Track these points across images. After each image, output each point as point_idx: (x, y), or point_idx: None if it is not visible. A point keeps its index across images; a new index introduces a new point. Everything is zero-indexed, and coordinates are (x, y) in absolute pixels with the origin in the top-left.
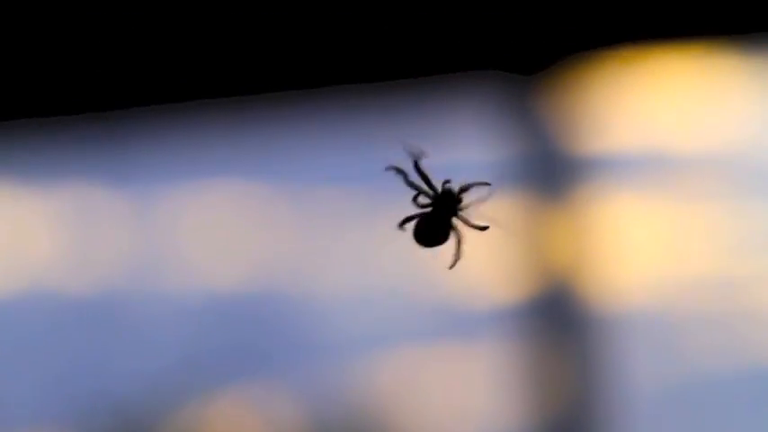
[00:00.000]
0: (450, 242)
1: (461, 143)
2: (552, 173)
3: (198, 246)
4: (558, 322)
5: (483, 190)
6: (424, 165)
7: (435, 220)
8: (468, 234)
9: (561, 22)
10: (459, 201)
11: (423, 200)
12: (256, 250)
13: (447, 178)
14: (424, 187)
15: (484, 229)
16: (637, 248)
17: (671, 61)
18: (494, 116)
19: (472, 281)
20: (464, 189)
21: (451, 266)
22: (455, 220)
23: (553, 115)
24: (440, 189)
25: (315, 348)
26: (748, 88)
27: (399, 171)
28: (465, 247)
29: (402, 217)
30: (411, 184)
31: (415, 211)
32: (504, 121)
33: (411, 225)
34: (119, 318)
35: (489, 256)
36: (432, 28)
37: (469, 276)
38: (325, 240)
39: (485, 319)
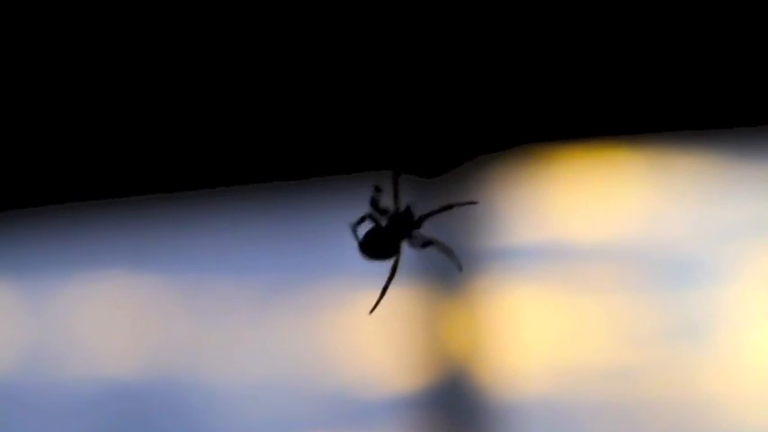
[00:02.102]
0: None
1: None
2: (450, 264)
3: (93, 336)
4: (455, 411)
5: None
6: None
7: (386, 235)
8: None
9: (462, 129)
10: (415, 224)
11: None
12: (152, 340)
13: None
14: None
15: (427, 244)
16: (534, 338)
17: (569, 158)
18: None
19: (369, 370)
20: (423, 216)
21: (381, 293)
22: (404, 241)
23: (454, 212)
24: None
25: None
26: (643, 183)
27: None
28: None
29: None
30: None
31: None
32: None
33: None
34: (15, 407)
35: (387, 346)
36: (335, 130)
37: (367, 365)
38: (220, 330)
39: (382, 408)
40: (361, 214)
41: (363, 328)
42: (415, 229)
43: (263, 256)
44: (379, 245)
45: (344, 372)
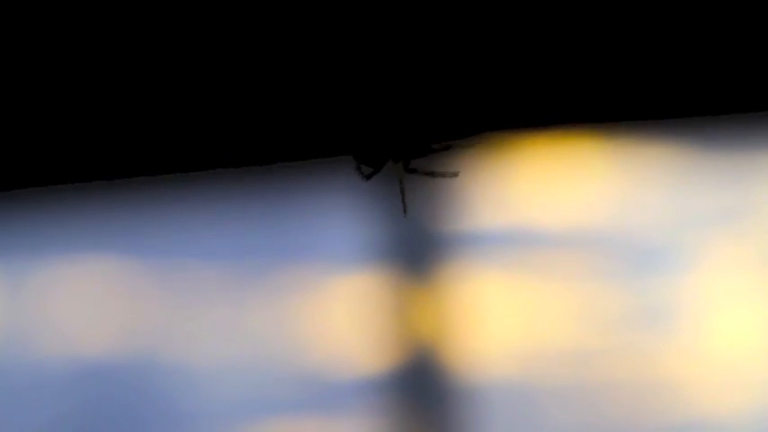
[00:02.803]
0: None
1: (331, 223)
2: (418, 250)
3: (67, 317)
4: (423, 393)
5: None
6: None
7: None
8: (337, 305)
9: (430, 113)
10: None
11: None
12: (125, 322)
13: None
14: None
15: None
16: (499, 323)
17: (536, 146)
18: (364, 198)
19: (339, 352)
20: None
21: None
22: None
23: (421, 197)
24: None
25: (184, 417)
26: (608, 171)
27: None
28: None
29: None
30: None
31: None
32: (373, 204)
33: None
34: None
35: (356, 329)
36: (308, 114)
37: (336, 348)
38: (192, 312)
39: (350, 390)
40: (334, 198)
41: (333, 312)
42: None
43: (236, 240)
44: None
45: (314, 354)
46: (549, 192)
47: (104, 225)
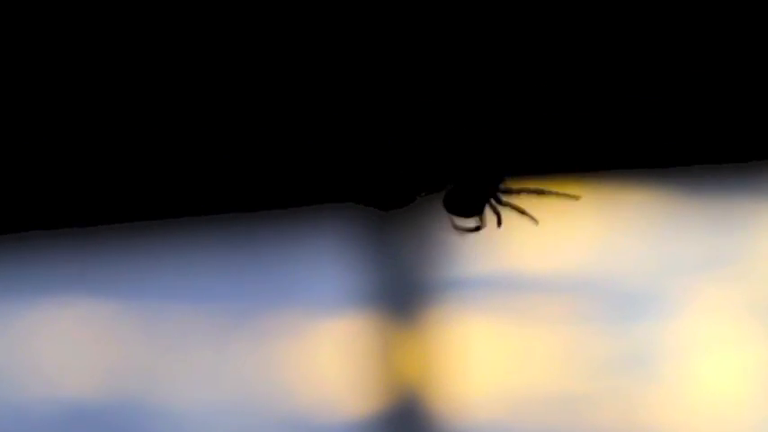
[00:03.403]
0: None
1: (317, 267)
2: (406, 295)
3: (53, 360)
4: None
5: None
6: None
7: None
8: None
9: (419, 164)
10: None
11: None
12: (111, 365)
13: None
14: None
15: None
16: (485, 367)
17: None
18: (352, 245)
19: (324, 396)
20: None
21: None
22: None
23: (409, 244)
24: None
25: None
26: (594, 217)
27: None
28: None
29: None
30: None
31: None
32: (361, 250)
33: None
34: None
35: (342, 372)
36: (294, 163)
37: (322, 392)
38: (178, 356)
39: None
40: (321, 243)
41: (319, 356)
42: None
43: (222, 284)
44: (462, 202)
45: (300, 398)
46: (534, 237)
47: (90, 269)
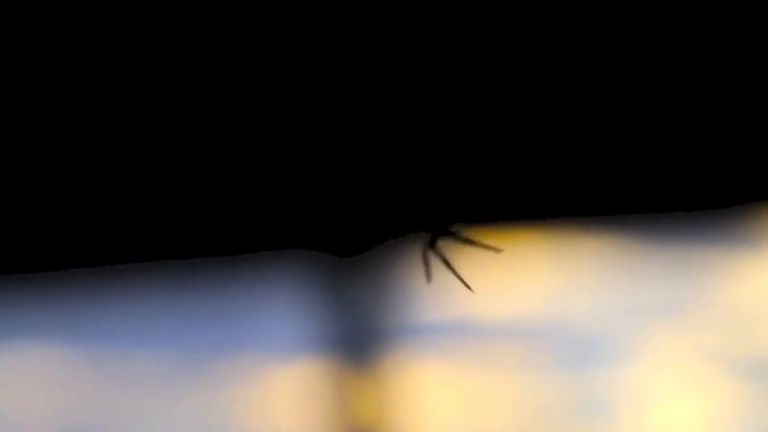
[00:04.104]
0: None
1: (272, 314)
2: (362, 340)
3: (10, 405)
4: None
5: None
6: None
7: None
8: (278, 394)
9: (376, 212)
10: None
11: None
12: (66, 410)
13: None
14: None
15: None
16: (440, 414)
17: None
18: (308, 291)
19: None
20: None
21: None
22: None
23: (365, 290)
24: None
25: None
26: (548, 264)
27: None
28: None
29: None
30: None
31: None
32: (317, 296)
33: None
34: None
35: (296, 418)
36: (252, 209)
37: None
38: (133, 402)
39: None
40: (276, 289)
41: (274, 401)
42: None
43: (179, 329)
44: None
45: None
46: (492, 283)
47: (45, 314)
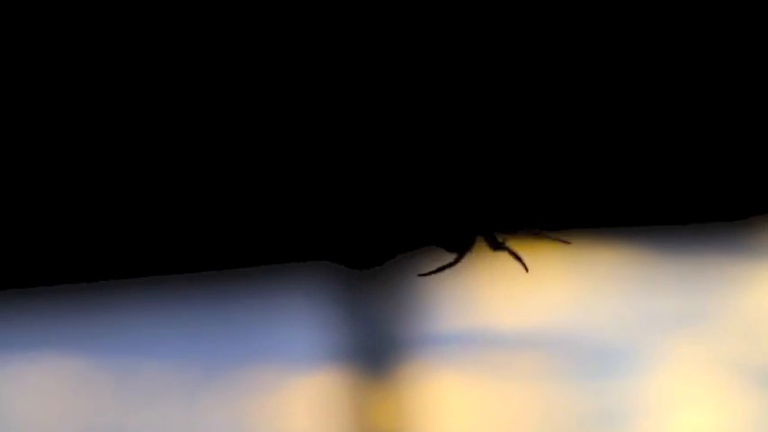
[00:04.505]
0: None
1: (290, 324)
2: (380, 352)
3: (22, 418)
4: None
5: None
6: None
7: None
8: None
9: (393, 223)
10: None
11: None
12: (84, 421)
13: None
14: None
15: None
16: (458, 424)
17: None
18: (326, 302)
19: None
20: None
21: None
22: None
23: (383, 301)
24: None
25: None
26: (569, 274)
27: None
28: None
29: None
30: None
31: None
32: (335, 307)
33: None
34: None
35: (318, 429)
36: (271, 220)
37: None
38: (150, 412)
39: None
40: (294, 300)
41: (292, 413)
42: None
43: (196, 342)
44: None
45: None
46: (509, 294)
47: (62, 325)
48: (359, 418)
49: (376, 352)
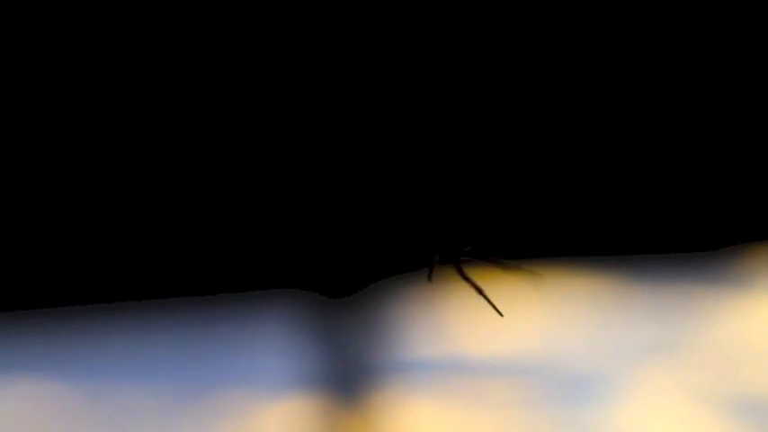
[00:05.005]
0: None
1: (263, 350)
2: (353, 378)
3: None
4: None
5: None
6: None
7: None
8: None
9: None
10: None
11: None
12: None
13: None
14: None
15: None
16: None
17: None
18: (300, 328)
19: None
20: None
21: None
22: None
23: (356, 327)
24: None
25: None
26: (541, 303)
27: None
28: None
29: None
30: None
31: None
32: (309, 333)
33: None
34: None
35: None
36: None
37: None
38: None
39: None
40: (267, 326)
41: None
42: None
43: (170, 366)
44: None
45: None
46: (481, 322)
47: (38, 350)
48: None
49: (348, 378)
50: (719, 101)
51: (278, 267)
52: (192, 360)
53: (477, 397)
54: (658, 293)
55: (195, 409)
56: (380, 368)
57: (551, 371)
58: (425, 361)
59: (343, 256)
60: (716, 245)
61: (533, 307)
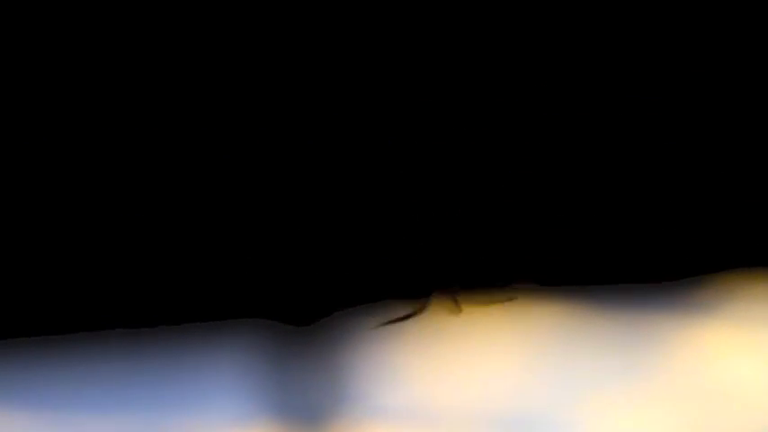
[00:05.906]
0: None
1: (221, 382)
2: (312, 411)
3: None
4: None
5: None
6: None
7: None
8: None
9: (331, 281)
10: None
11: None
12: None
13: None
14: None
15: None
16: None
17: (438, 318)
18: (259, 360)
19: None
20: None
21: None
22: None
23: (317, 361)
24: None
25: None
26: (511, 345)
27: None
28: None
29: None
30: None
31: None
32: (268, 365)
33: None
34: None
35: None
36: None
37: None
38: None
39: None
40: (226, 359)
41: None
42: None
43: (128, 397)
44: None
45: None
46: (442, 360)
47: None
48: None
49: (308, 410)
50: (687, 124)
51: (238, 296)
52: (152, 390)
53: (436, 427)
54: (618, 323)
55: None
56: (341, 399)
57: (513, 416)
58: (389, 408)
59: (305, 285)
60: (681, 274)
61: (498, 348)
